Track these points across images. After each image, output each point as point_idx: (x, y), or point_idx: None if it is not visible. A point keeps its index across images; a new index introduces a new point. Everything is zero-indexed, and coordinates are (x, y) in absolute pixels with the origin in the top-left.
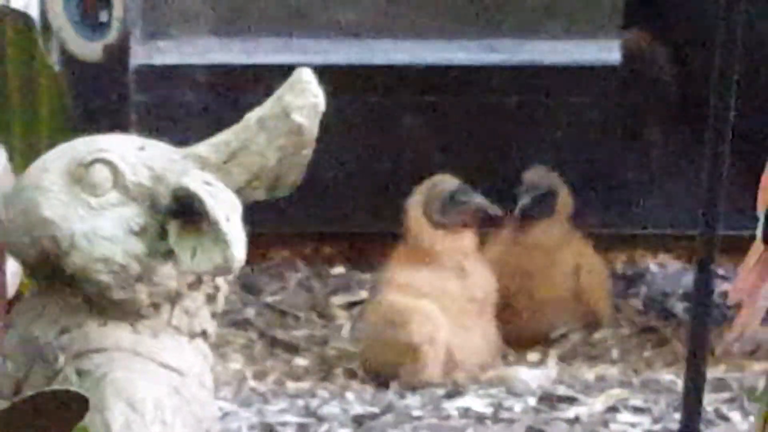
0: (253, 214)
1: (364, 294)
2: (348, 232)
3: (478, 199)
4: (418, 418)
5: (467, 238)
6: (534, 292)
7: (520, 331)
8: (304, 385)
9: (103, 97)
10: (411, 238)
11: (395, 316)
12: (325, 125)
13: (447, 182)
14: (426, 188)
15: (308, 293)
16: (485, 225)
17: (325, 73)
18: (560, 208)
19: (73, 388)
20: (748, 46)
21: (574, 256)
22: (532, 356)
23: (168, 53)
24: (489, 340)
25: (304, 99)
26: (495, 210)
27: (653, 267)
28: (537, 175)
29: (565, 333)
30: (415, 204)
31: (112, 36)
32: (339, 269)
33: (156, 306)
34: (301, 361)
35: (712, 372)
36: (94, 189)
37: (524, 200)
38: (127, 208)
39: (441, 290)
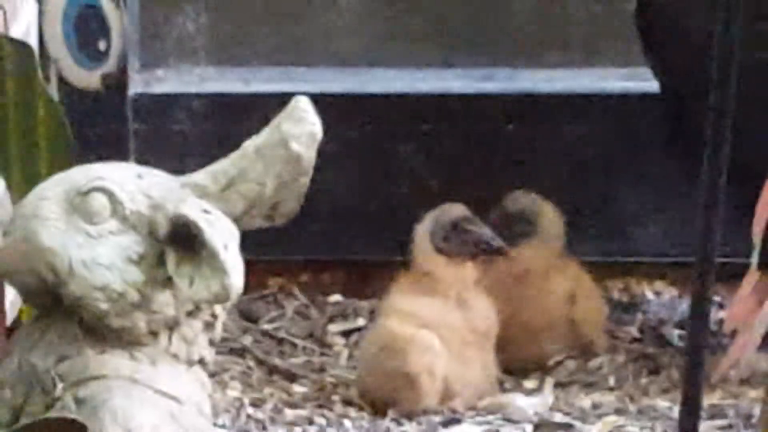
0: (250, 242)
1: (361, 322)
2: (345, 260)
3: (483, 231)
4: None
5: (470, 269)
6: (525, 319)
7: (514, 358)
8: (302, 412)
9: (102, 125)
10: (415, 265)
11: (394, 344)
12: (323, 153)
13: (454, 211)
14: (434, 215)
15: (306, 321)
16: (490, 257)
17: (322, 101)
18: (544, 232)
19: (71, 416)
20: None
21: (569, 283)
22: (529, 383)
23: (166, 82)
24: (488, 371)
25: (302, 127)
26: (499, 242)
27: (649, 294)
28: (513, 199)
29: (561, 360)
30: (422, 230)
31: (110, 65)
32: (336, 297)
33: (154, 334)
34: (298, 389)
35: (708, 399)
36: (93, 217)
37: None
38: (126, 236)
39: (442, 320)
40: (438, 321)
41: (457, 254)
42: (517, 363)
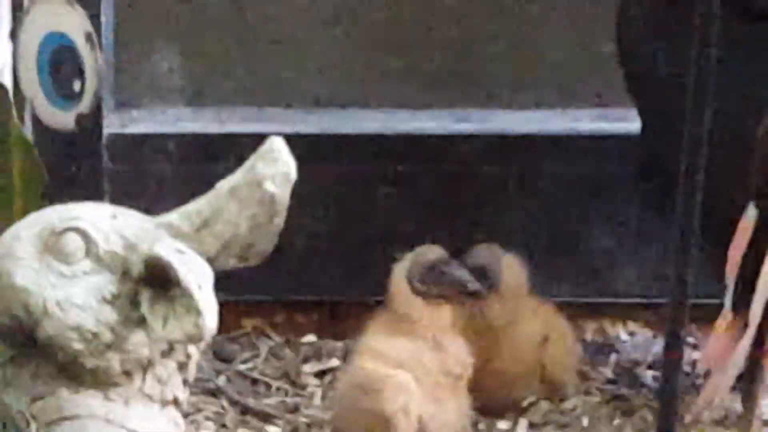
0: (224, 282)
1: (335, 362)
2: (319, 300)
3: (459, 273)
4: None
5: (446, 311)
6: (496, 366)
7: (487, 401)
8: None
9: (76, 165)
10: (391, 306)
11: (369, 383)
12: (297, 193)
13: (431, 252)
14: (411, 257)
15: (280, 361)
16: (466, 300)
17: (296, 141)
18: (506, 284)
19: None
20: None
21: (539, 328)
22: (503, 424)
23: (141, 122)
24: (462, 412)
25: (276, 168)
26: (476, 285)
27: (623, 335)
28: (475, 254)
29: (535, 401)
30: (399, 272)
31: (84, 105)
32: (310, 337)
33: (128, 374)
34: (272, 430)
35: None
36: (67, 257)
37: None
38: (100, 276)
39: (417, 361)
40: (413, 362)
41: (434, 296)
42: (490, 405)
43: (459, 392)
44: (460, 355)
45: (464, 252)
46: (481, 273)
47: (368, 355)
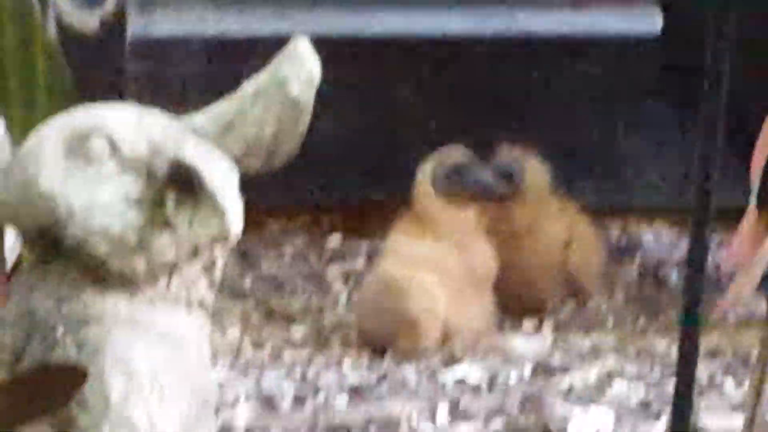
0: (249, 184)
1: (360, 263)
2: (344, 202)
3: (483, 175)
4: (415, 386)
5: (470, 213)
6: (520, 268)
7: (512, 304)
8: (301, 354)
9: (100, 68)
10: (416, 208)
11: (394, 286)
12: (321, 96)
13: (456, 154)
14: (435, 159)
15: (305, 263)
16: (490, 201)
17: (321, 43)
18: (530, 184)
19: (72, 360)
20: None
21: (562, 231)
22: (528, 325)
23: (165, 25)
24: (486, 313)
25: (301, 69)
26: (500, 187)
27: (648, 236)
28: (499, 156)
29: (559, 303)
30: (423, 173)
31: (109, 8)
32: (335, 239)
33: (154, 276)
34: (297, 331)
35: (706, 340)
36: (92, 160)
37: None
38: (125, 178)
39: (441, 263)
40: (437, 264)
41: (457, 197)
42: (514, 307)
43: (483, 293)
44: (484, 256)
45: (488, 154)
46: (505, 175)
47: (393, 258)
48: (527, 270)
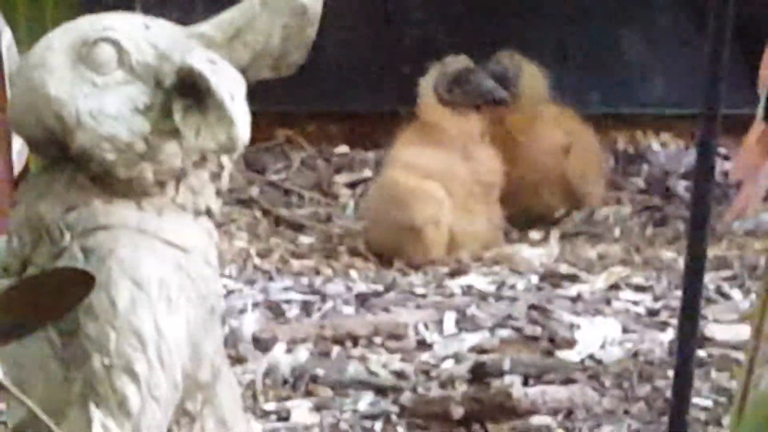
0: (257, 93)
1: (367, 173)
2: (351, 111)
3: (486, 81)
4: (422, 295)
5: (474, 121)
6: (520, 173)
7: (517, 211)
8: (308, 262)
9: None
10: (420, 117)
11: (399, 195)
12: (329, 5)
13: (458, 62)
14: (438, 68)
15: (312, 172)
16: (492, 108)
17: None
18: (527, 89)
19: (79, 266)
20: None
21: (560, 137)
22: (535, 235)
23: None
24: (493, 222)
25: None
26: (501, 93)
27: (655, 146)
28: (496, 62)
29: (568, 212)
30: (426, 83)
31: None
32: (343, 148)
33: (161, 184)
34: (305, 239)
35: (713, 250)
36: (100, 67)
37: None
38: (133, 86)
39: (447, 171)
40: (443, 172)
41: (461, 105)
42: (521, 215)
43: (490, 201)
44: (490, 163)
45: (486, 60)
46: (501, 80)
47: (398, 167)
48: (525, 176)
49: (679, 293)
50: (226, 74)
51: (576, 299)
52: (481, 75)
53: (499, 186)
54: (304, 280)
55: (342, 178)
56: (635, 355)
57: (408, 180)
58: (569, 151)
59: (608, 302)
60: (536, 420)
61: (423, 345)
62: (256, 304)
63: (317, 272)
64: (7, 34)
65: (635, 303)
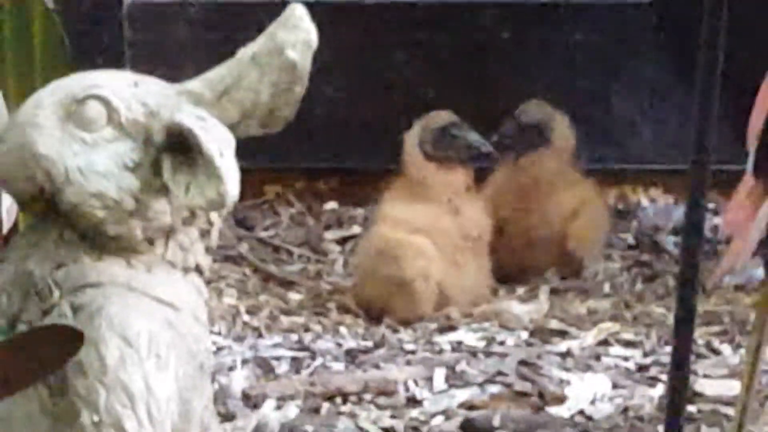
0: (246, 149)
1: (356, 229)
2: (340, 167)
3: (471, 136)
4: (411, 352)
5: (460, 175)
6: (527, 226)
7: (510, 264)
8: (298, 319)
9: (98, 33)
10: (406, 172)
11: (388, 250)
12: (318, 61)
13: (441, 117)
14: (422, 123)
15: (301, 228)
16: (479, 163)
17: (317, 9)
18: (557, 142)
19: (68, 323)
20: None
21: (575, 199)
22: (523, 291)
23: None
24: (481, 277)
25: (297, 35)
26: (488, 148)
27: (644, 201)
28: (527, 108)
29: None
30: (411, 137)
31: None
32: (332, 204)
33: (150, 241)
34: (294, 296)
35: (703, 305)
36: (89, 125)
37: (506, 129)
38: (122, 143)
39: (434, 225)
40: (430, 226)
41: (446, 160)
42: (510, 271)
43: (478, 255)
44: (477, 217)
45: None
46: (533, 128)
47: (387, 222)
48: (528, 230)
49: (668, 349)
50: (216, 131)
51: (566, 355)
52: (466, 130)
53: (487, 239)
54: (294, 337)
55: (331, 235)
56: (625, 410)
57: (396, 235)
58: (577, 214)
59: (598, 358)
60: None
61: (413, 401)
62: (245, 361)
63: (307, 329)
64: None
65: (625, 358)
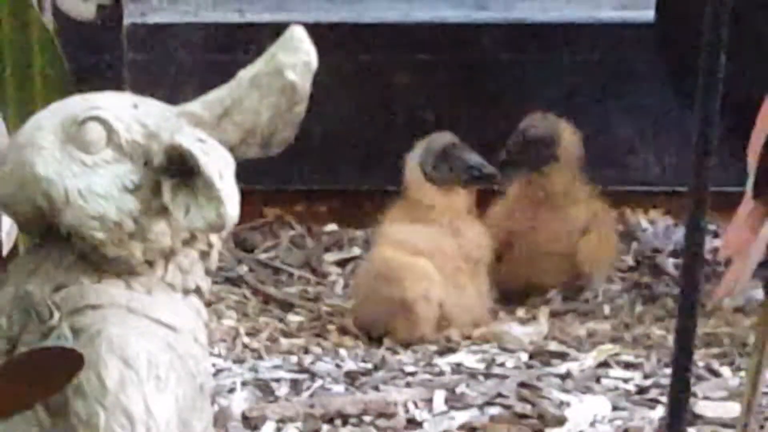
0: (246, 171)
1: (356, 251)
2: (341, 189)
3: (472, 157)
4: (411, 374)
5: (461, 196)
6: (538, 242)
7: (514, 284)
8: (298, 341)
9: (97, 55)
10: (407, 194)
11: (389, 272)
12: (318, 83)
13: (442, 138)
14: (423, 144)
15: (301, 250)
16: (481, 184)
17: (317, 30)
18: (564, 155)
19: (67, 345)
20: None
21: (586, 214)
22: (523, 312)
23: (161, 12)
24: (481, 298)
25: (297, 57)
26: (489, 169)
27: (644, 223)
28: (533, 121)
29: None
30: (411, 159)
31: None
32: (332, 226)
33: (150, 263)
34: (294, 318)
35: (703, 327)
36: (89, 146)
37: (511, 143)
38: (122, 165)
39: (435, 247)
40: (431, 248)
41: (447, 182)
42: (510, 293)
43: (479, 277)
44: (478, 239)
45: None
46: (540, 141)
47: (387, 244)
48: (541, 248)
49: (668, 371)
50: (215, 153)
51: (566, 377)
52: (467, 151)
53: (487, 261)
54: (294, 359)
55: (331, 257)
56: None
57: (397, 256)
58: (588, 233)
59: (598, 380)
60: None
61: (413, 423)
62: (245, 383)
63: (306, 351)
64: None
65: (625, 380)
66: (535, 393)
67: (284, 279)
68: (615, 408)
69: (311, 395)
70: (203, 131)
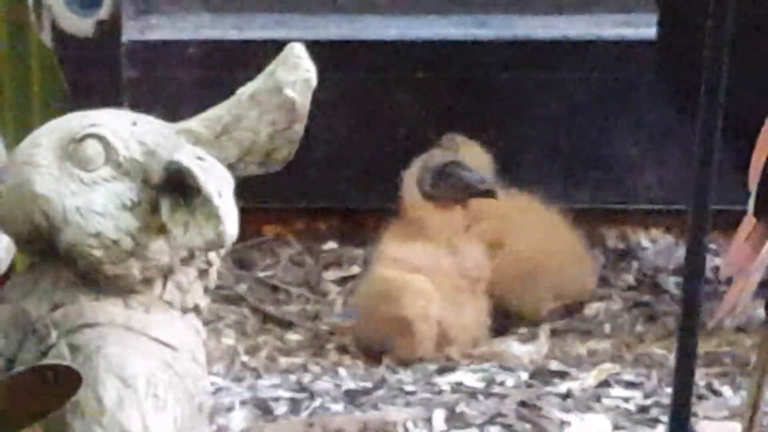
0: (245, 189)
1: (356, 269)
2: (340, 207)
3: (471, 174)
4: (411, 392)
5: (459, 214)
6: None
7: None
8: (297, 360)
9: (95, 72)
10: (404, 212)
11: (387, 290)
12: (317, 100)
13: (440, 156)
14: (421, 161)
15: (300, 268)
16: (477, 201)
17: (316, 48)
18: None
19: (65, 363)
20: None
21: (540, 234)
22: (524, 331)
23: (160, 29)
24: (481, 316)
25: (296, 74)
26: (488, 185)
27: (645, 242)
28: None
29: (555, 308)
30: (409, 176)
31: (104, 12)
32: (331, 245)
33: (148, 281)
34: (293, 337)
35: (704, 346)
36: (87, 164)
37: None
38: (120, 183)
39: (433, 265)
40: (430, 266)
41: (445, 199)
42: (510, 309)
43: (477, 295)
44: (476, 257)
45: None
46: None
47: (386, 262)
48: (510, 268)
49: (669, 390)
50: (214, 171)
51: (566, 396)
52: (465, 168)
53: (485, 279)
54: (293, 378)
55: (330, 275)
56: None
57: (396, 274)
58: (548, 250)
59: (598, 399)
60: None
61: None
62: (243, 402)
63: (305, 369)
64: None
65: (626, 399)
66: (536, 412)
67: (283, 297)
68: (616, 427)
69: (310, 414)
70: (202, 149)
